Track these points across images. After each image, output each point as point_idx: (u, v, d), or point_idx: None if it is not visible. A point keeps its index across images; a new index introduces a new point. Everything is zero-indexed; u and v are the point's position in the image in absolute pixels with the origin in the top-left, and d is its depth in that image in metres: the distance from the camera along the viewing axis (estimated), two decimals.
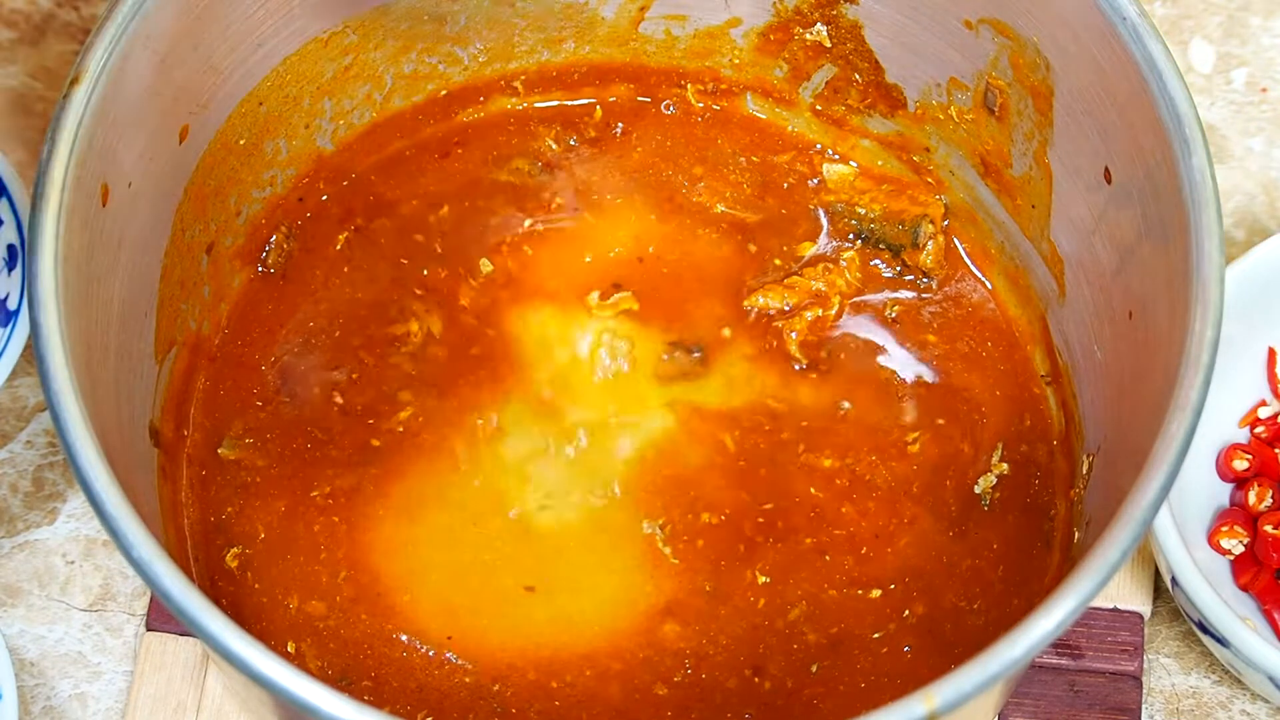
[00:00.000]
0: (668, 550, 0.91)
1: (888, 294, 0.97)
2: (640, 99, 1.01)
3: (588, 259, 0.97)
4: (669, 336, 0.95)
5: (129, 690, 0.95)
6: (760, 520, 0.91)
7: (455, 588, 0.90)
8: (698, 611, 0.90)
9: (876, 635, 0.89)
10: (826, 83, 0.98)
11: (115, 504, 0.73)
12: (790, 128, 1.00)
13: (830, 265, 0.97)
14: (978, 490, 0.92)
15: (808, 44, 0.97)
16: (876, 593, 0.90)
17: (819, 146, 1.00)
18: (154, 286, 0.89)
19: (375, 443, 0.93)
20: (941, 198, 0.98)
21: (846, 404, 0.94)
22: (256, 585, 0.90)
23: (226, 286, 0.95)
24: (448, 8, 0.96)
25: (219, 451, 0.93)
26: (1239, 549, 0.95)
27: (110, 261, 0.83)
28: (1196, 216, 0.78)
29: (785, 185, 0.99)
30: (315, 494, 0.92)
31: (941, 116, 0.96)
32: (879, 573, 0.90)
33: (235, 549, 0.91)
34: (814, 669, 0.88)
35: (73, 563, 0.99)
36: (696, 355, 0.94)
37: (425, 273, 0.97)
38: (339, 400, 0.94)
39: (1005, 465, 0.93)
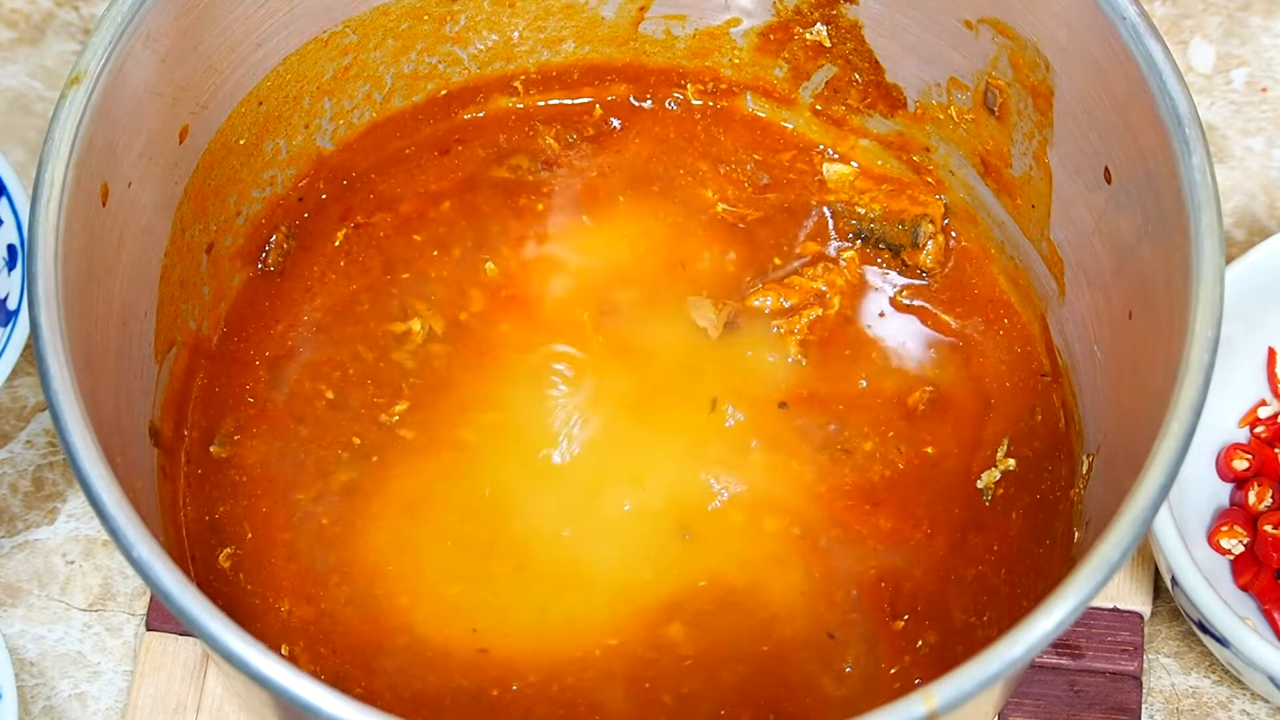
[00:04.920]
0: (671, 549, 0.91)
1: (888, 294, 0.97)
2: (640, 98, 1.01)
3: (588, 257, 0.97)
4: (668, 336, 0.95)
5: (129, 690, 0.95)
6: (768, 528, 0.91)
7: (452, 589, 0.90)
8: (707, 615, 0.89)
9: (894, 671, 0.89)
10: (826, 83, 0.98)
11: (115, 504, 0.73)
12: (790, 127, 1.00)
13: (830, 265, 0.97)
14: (980, 485, 0.92)
15: (808, 44, 0.97)
16: (900, 624, 0.90)
17: (820, 146, 1.00)
18: (154, 286, 0.89)
19: (371, 440, 0.93)
20: (941, 197, 0.98)
21: (848, 404, 0.94)
22: (249, 586, 0.90)
23: (226, 286, 0.95)
24: (448, 8, 0.96)
25: (210, 449, 0.92)
26: (1239, 549, 0.95)
27: (110, 261, 0.83)
28: (1196, 216, 0.78)
29: (785, 185, 0.99)
30: (309, 493, 0.92)
31: (941, 116, 0.96)
32: (898, 589, 0.90)
33: (228, 549, 0.91)
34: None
35: (73, 563, 0.99)
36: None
37: (429, 270, 0.97)
38: (332, 397, 0.94)
39: (1012, 461, 0.92)
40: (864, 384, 0.94)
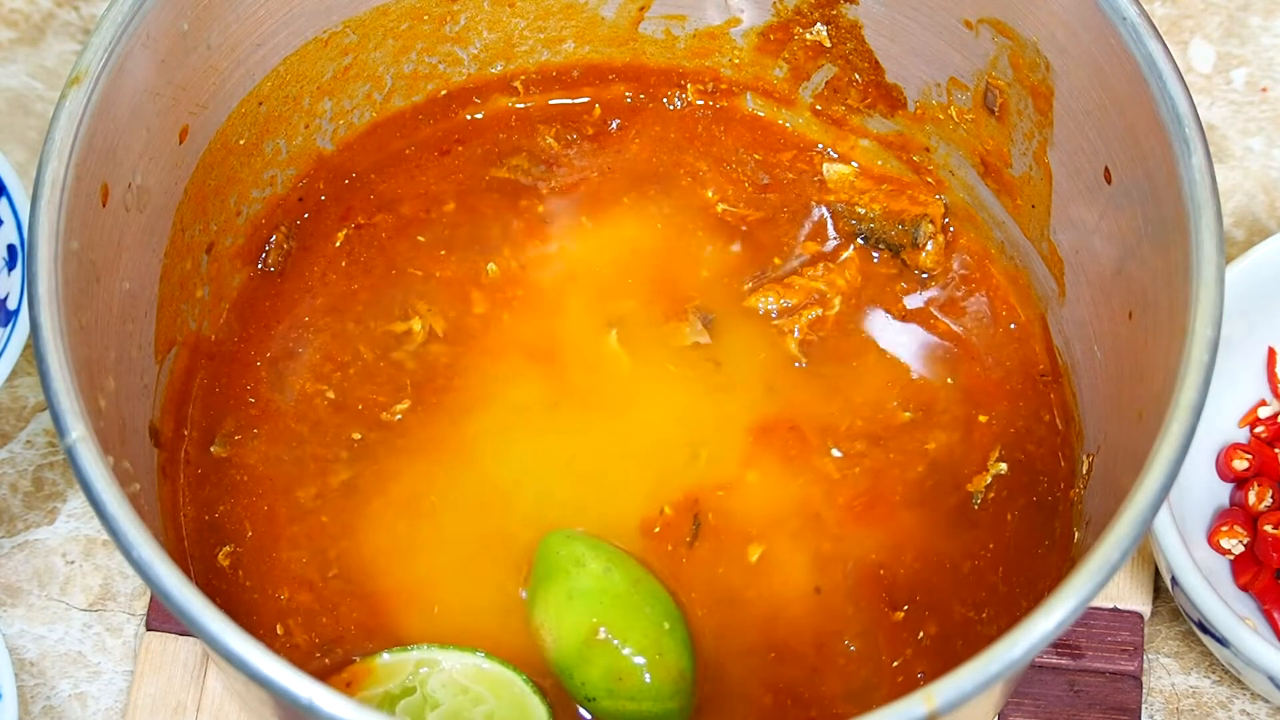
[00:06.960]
0: (671, 548, 0.91)
1: (888, 293, 0.97)
2: (640, 98, 1.01)
3: (589, 257, 0.97)
4: (670, 334, 0.95)
5: (129, 690, 0.95)
6: (769, 527, 0.91)
7: (450, 588, 0.90)
8: (707, 612, 0.89)
9: (896, 664, 0.89)
10: (826, 83, 0.98)
11: (115, 504, 0.73)
12: (790, 127, 1.00)
13: (830, 265, 0.97)
14: (970, 489, 0.92)
15: (808, 44, 0.97)
16: (900, 615, 0.90)
17: (819, 146, 1.00)
18: (154, 286, 0.89)
19: (372, 440, 0.93)
20: (941, 198, 0.98)
21: (847, 403, 0.94)
22: (248, 583, 0.90)
23: (226, 286, 0.95)
24: (447, 8, 0.96)
25: (211, 449, 0.92)
26: (1239, 549, 0.95)
27: (110, 261, 0.83)
28: (1196, 216, 0.78)
29: (785, 185, 0.99)
30: (309, 492, 0.92)
31: (941, 116, 0.96)
32: (898, 584, 0.90)
33: (227, 547, 0.91)
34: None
35: (73, 563, 0.99)
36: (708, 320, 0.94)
37: (430, 270, 0.97)
38: (333, 397, 0.94)
39: (1003, 465, 0.92)
40: (864, 383, 0.94)
